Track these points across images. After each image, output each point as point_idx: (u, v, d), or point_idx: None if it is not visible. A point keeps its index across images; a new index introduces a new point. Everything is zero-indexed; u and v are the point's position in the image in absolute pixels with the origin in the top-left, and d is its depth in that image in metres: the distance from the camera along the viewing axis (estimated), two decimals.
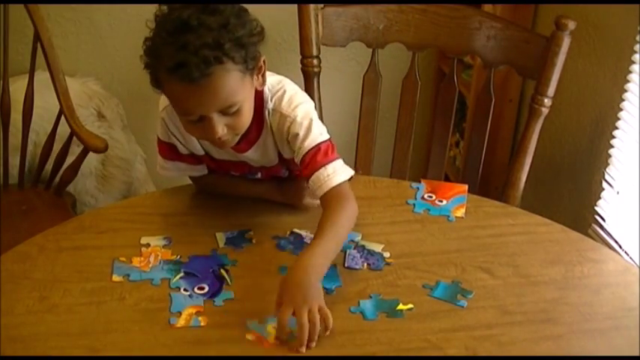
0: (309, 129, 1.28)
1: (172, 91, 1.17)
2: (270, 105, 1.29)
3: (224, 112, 1.17)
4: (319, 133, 1.29)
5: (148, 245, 1.28)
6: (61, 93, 1.86)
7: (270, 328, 1.10)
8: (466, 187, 1.49)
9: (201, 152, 1.36)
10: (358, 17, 1.72)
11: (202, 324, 1.11)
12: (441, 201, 1.43)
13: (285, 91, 1.30)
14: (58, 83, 1.86)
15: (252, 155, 1.34)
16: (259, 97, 1.27)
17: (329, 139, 1.30)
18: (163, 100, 1.28)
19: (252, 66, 1.18)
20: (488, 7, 2.06)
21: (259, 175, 1.43)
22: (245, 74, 1.17)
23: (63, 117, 1.87)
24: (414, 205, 1.42)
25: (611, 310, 1.19)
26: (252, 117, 1.24)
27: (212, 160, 1.38)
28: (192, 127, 1.21)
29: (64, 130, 1.88)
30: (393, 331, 1.12)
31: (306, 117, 1.28)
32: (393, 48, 1.75)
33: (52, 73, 1.85)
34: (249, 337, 1.09)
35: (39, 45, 1.84)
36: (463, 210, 1.41)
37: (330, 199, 1.25)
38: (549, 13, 2.03)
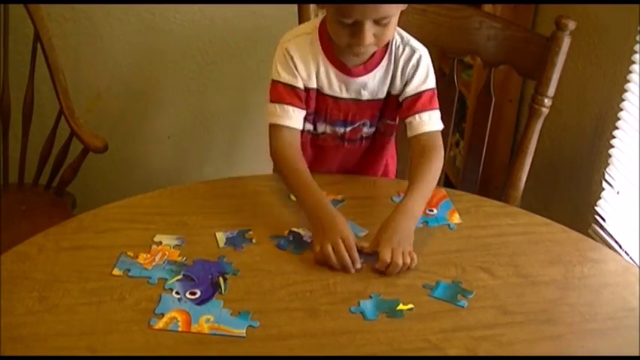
0: (429, 71, 1.46)
1: None
2: (398, 37, 1.45)
3: (377, 21, 1.31)
4: (433, 79, 1.47)
5: (159, 243, 1.27)
6: (61, 93, 1.86)
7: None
8: (444, 191, 1.48)
9: (314, 85, 1.44)
10: None
11: (181, 329, 1.10)
12: (432, 210, 1.41)
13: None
14: (58, 83, 1.85)
15: (367, 80, 1.44)
16: None
17: (434, 87, 1.46)
18: (287, 37, 1.44)
19: None
20: (488, 7, 2.06)
21: (349, 129, 1.50)
22: None
23: (63, 117, 1.87)
24: None
25: (611, 311, 1.19)
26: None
27: (319, 95, 1.46)
28: (342, 31, 1.33)
29: (64, 129, 1.88)
30: (393, 332, 1.12)
31: (428, 60, 1.47)
32: None
33: (52, 73, 1.84)
34: None
35: (39, 45, 1.84)
36: (457, 215, 1.40)
37: (422, 146, 1.42)
38: (549, 13, 2.03)
